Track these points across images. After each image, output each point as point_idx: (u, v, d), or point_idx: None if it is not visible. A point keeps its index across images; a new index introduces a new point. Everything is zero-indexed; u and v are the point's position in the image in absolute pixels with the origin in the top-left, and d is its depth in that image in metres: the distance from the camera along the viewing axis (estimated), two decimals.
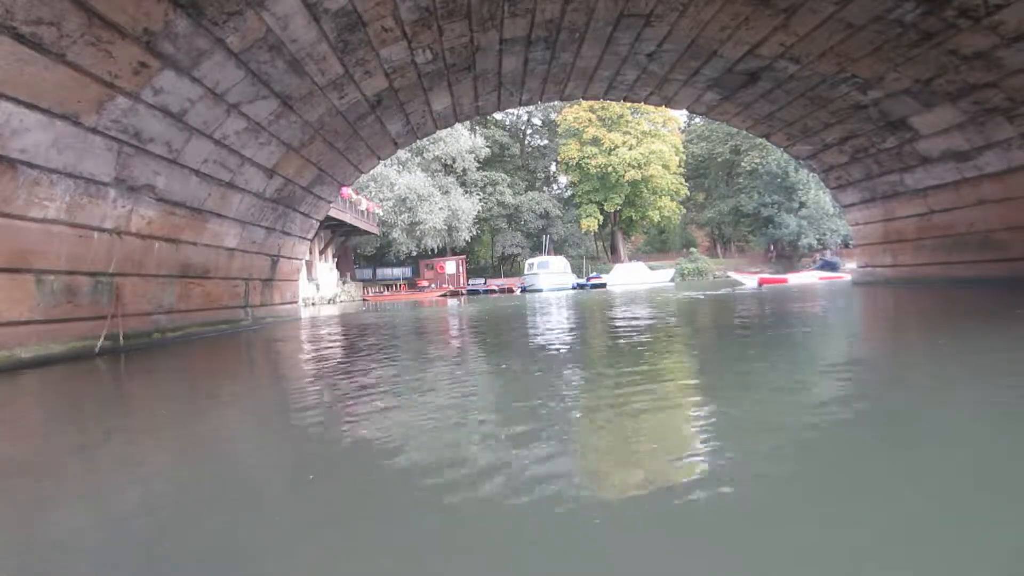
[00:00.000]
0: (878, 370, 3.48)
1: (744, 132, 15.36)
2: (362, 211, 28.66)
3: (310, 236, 12.52)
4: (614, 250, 46.62)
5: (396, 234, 34.77)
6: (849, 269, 17.21)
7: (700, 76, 9.83)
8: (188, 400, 3.69)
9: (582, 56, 9.36)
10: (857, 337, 5.40)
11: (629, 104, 21.21)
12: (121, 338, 6.47)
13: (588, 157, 40.35)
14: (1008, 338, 4.29)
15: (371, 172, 19.03)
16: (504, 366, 4.37)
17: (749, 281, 15.83)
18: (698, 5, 7.46)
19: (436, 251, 37.00)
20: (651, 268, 35.95)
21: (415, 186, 33.98)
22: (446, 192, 36.17)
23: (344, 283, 30.63)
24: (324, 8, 6.15)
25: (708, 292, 15.44)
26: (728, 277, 20.35)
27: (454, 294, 31.27)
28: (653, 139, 41.35)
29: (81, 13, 4.59)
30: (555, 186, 52.06)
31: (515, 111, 45.70)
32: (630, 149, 40.14)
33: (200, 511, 1.62)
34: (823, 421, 2.23)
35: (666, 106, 12.27)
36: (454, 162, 37.58)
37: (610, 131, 40.50)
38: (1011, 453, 1.73)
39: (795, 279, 15.72)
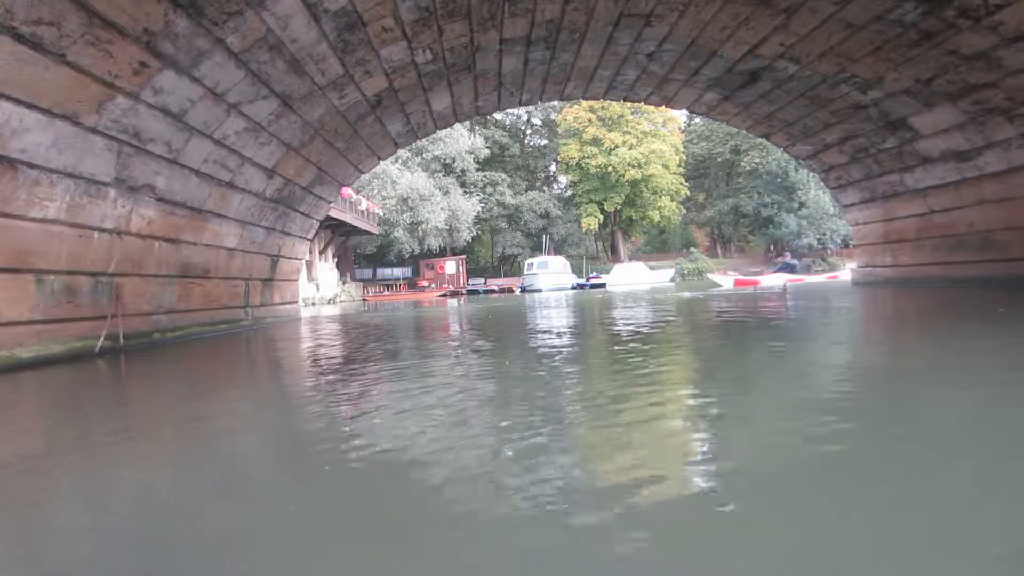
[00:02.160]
0: (850, 366, 3.49)
1: (744, 132, 15.37)
2: (362, 211, 28.65)
3: (310, 236, 12.52)
4: (614, 250, 46.60)
5: (398, 233, 34.77)
6: (851, 268, 17.19)
7: (700, 76, 9.83)
8: (189, 400, 3.69)
9: (582, 56, 9.36)
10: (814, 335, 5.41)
11: (629, 104, 21.23)
12: (121, 338, 6.47)
13: (588, 157, 40.33)
14: (981, 335, 4.36)
15: (372, 170, 19.01)
16: (506, 363, 4.38)
17: (725, 283, 16.06)
18: (698, 5, 7.46)
19: (437, 251, 37.01)
20: (651, 268, 35.94)
21: (417, 185, 33.99)
22: (446, 192, 36.18)
23: (344, 283, 30.63)
24: (324, 8, 6.15)
25: (694, 292, 15.68)
26: (706, 279, 20.59)
27: (454, 294, 31.27)
28: (653, 139, 41.33)
29: (81, 13, 4.59)
30: (555, 186, 52.04)
31: (515, 111, 45.68)
32: (630, 149, 40.12)
33: (200, 510, 1.63)
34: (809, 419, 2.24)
35: (666, 106, 12.27)
36: (453, 162, 37.60)
37: (610, 131, 40.48)
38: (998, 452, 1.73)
39: (765, 280, 15.97)
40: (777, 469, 1.73)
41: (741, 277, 16.08)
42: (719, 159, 48.67)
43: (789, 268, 16.64)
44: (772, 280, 15.80)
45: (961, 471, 1.62)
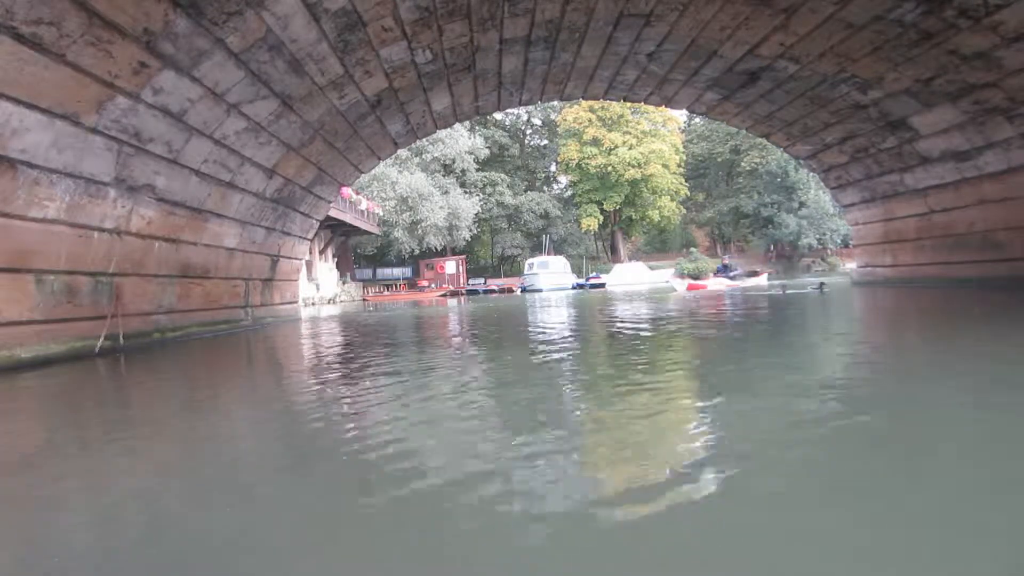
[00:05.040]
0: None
1: (744, 132, 15.39)
2: (362, 211, 28.66)
3: (310, 236, 12.52)
4: (614, 250, 46.59)
5: (398, 233, 34.81)
6: (848, 270, 17.20)
7: (700, 76, 9.83)
8: (189, 400, 3.69)
9: (582, 56, 9.35)
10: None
11: (629, 104, 21.23)
12: (121, 338, 6.46)
13: (588, 157, 40.33)
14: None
15: (372, 172, 19.01)
16: (509, 358, 4.37)
17: (680, 287, 16.27)
18: (698, 5, 7.46)
19: (437, 250, 37.03)
20: (651, 268, 35.92)
21: (416, 185, 34.05)
22: (445, 192, 36.22)
23: (344, 283, 30.62)
24: (324, 8, 6.14)
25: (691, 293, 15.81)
26: (666, 282, 20.61)
27: (454, 294, 31.29)
28: (653, 139, 41.31)
29: (81, 13, 4.59)
30: (555, 186, 52.02)
31: (515, 111, 45.62)
32: (630, 149, 40.10)
33: (201, 510, 1.63)
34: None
35: (666, 106, 12.27)
36: (453, 163, 37.61)
37: (610, 131, 40.45)
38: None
39: (710, 284, 16.22)
40: (773, 461, 1.73)
41: (693, 282, 16.40)
42: (719, 159, 48.64)
43: (725, 270, 16.97)
44: (714, 283, 16.09)
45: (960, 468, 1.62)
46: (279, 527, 1.48)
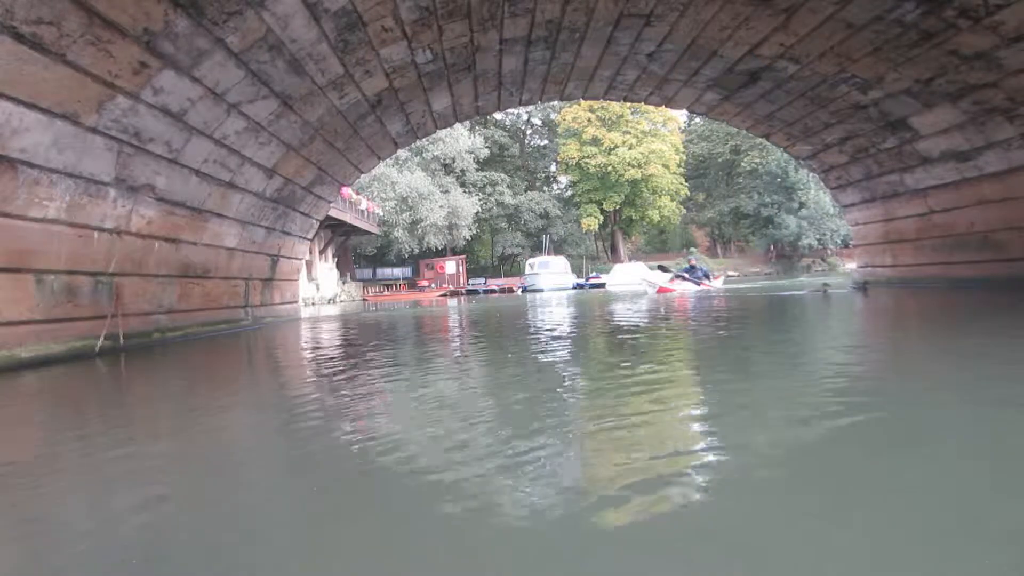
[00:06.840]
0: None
1: (744, 132, 15.36)
2: (362, 211, 28.69)
3: (310, 236, 12.52)
4: (614, 250, 46.63)
5: (398, 233, 34.85)
6: (848, 270, 17.08)
7: (700, 76, 9.83)
8: (189, 400, 3.69)
9: (582, 56, 9.36)
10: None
11: (629, 104, 21.22)
12: (121, 338, 6.47)
13: (588, 157, 40.36)
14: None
15: (372, 172, 19.01)
16: (509, 356, 4.37)
17: (651, 290, 16.20)
18: (698, 5, 7.46)
19: (437, 250, 37.07)
20: (651, 268, 35.93)
21: (416, 185, 34.11)
22: (445, 191, 36.28)
23: (344, 283, 30.65)
24: (324, 8, 6.14)
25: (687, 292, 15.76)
26: (640, 283, 20.15)
27: (454, 294, 31.34)
28: (653, 139, 41.37)
29: (81, 13, 4.59)
30: (555, 186, 52.07)
31: (515, 111, 45.72)
32: (630, 149, 40.14)
33: (200, 511, 1.63)
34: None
35: (666, 106, 12.27)
36: (453, 162, 37.67)
37: (610, 131, 40.50)
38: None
39: (676, 286, 16.06)
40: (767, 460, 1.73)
41: (663, 285, 16.26)
42: (719, 159, 48.70)
43: (692, 271, 16.97)
44: (683, 286, 16.01)
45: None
46: (279, 529, 1.48)
